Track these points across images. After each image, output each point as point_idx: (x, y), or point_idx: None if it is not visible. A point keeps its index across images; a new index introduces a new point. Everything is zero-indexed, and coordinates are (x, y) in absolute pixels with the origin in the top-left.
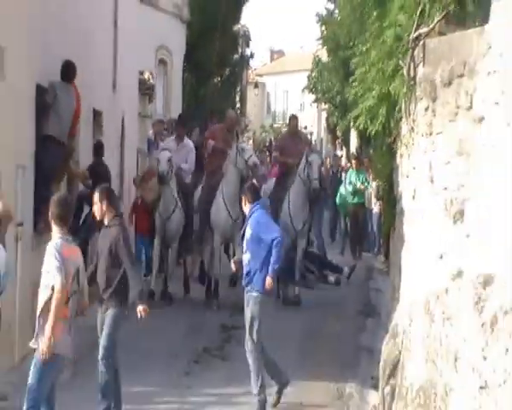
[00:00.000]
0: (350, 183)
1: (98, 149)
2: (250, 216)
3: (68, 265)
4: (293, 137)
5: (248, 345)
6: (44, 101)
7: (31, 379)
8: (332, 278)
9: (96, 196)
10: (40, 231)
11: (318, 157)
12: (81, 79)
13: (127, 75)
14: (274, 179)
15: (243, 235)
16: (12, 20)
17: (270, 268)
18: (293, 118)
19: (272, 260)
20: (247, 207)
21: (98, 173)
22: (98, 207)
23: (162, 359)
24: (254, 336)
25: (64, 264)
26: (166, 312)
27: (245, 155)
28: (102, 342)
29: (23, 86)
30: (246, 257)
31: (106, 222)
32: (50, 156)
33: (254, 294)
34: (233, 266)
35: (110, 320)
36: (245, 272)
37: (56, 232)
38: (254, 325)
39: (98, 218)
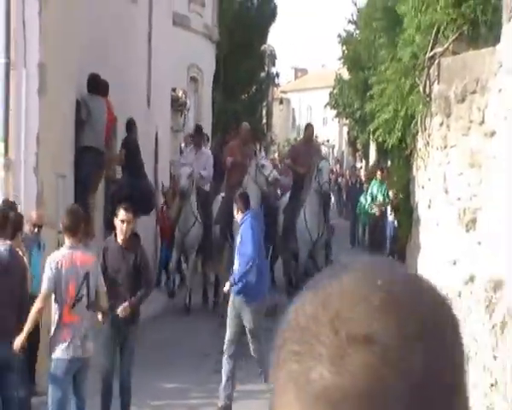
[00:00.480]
0: (371, 194)
1: (130, 125)
2: (241, 225)
3: (66, 274)
4: (308, 145)
5: (252, 346)
6: (79, 115)
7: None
8: None
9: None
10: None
11: (328, 163)
12: (117, 95)
13: (161, 92)
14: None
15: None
16: (53, 39)
17: (231, 278)
18: (309, 126)
19: (234, 275)
20: (239, 216)
21: (129, 150)
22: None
23: (193, 358)
24: (257, 340)
25: (57, 274)
26: (198, 314)
27: (265, 171)
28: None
29: (63, 101)
30: (235, 264)
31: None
32: (89, 165)
33: (246, 304)
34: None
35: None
36: (234, 279)
37: (66, 242)
38: (254, 333)
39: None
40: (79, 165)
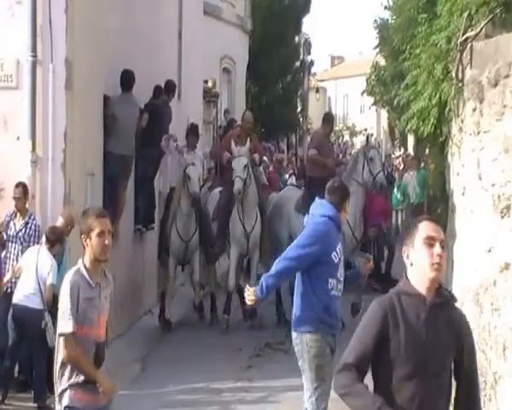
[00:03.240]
0: (402, 191)
1: (156, 91)
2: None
3: None
4: (327, 139)
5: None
6: (105, 118)
7: None
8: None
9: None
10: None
11: (378, 152)
12: (147, 89)
13: (192, 84)
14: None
15: None
16: (80, 35)
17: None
18: (331, 117)
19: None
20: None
21: (155, 114)
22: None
23: (227, 353)
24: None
25: None
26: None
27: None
28: None
29: (90, 98)
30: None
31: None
32: (113, 171)
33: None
34: (248, 299)
35: None
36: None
37: None
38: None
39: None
40: (105, 165)
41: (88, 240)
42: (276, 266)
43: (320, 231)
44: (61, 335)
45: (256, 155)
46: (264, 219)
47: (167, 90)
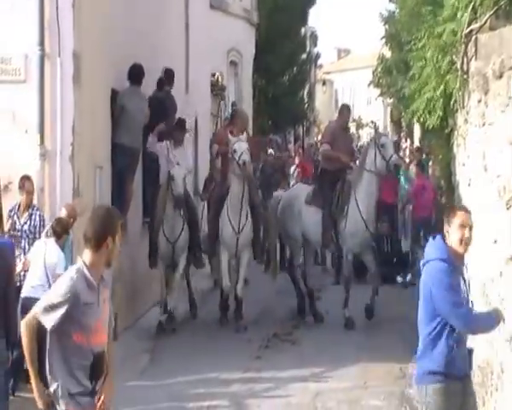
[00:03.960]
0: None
1: (159, 82)
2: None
3: None
4: (344, 132)
5: None
6: (113, 111)
7: None
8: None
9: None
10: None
11: (389, 139)
12: (154, 83)
13: (199, 77)
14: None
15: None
16: (87, 28)
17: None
18: (347, 109)
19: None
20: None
21: (158, 107)
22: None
23: (235, 344)
24: None
25: None
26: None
27: (235, 155)
28: None
29: (98, 91)
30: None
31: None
32: (121, 163)
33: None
34: None
35: None
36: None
37: None
38: None
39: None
40: (113, 158)
41: (111, 241)
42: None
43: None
44: (34, 317)
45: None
46: (258, 218)
47: (167, 78)
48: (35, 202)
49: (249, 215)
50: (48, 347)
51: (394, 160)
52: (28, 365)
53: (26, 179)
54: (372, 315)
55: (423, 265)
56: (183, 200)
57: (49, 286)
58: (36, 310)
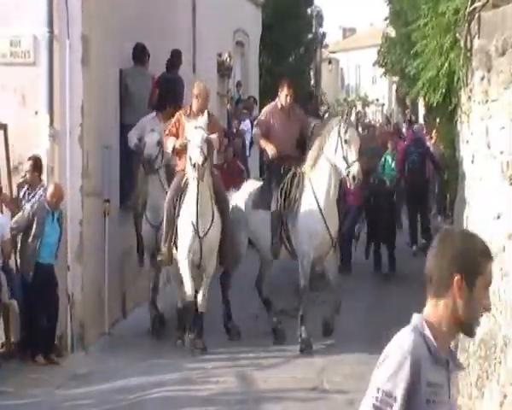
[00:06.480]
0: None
1: (168, 64)
2: None
3: None
4: (288, 114)
5: None
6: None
7: None
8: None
9: None
10: (125, 206)
11: (357, 134)
12: (162, 63)
13: (206, 58)
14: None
15: None
16: (95, 10)
17: None
18: (289, 84)
19: None
20: None
21: (167, 88)
22: None
23: (243, 321)
24: None
25: None
26: (246, 280)
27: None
28: None
29: (106, 72)
30: None
31: None
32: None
33: None
34: None
35: None
36: None
37: None
38: None
39: None
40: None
41: (468, 285)
42: None
43: None
44: None
45: (214, 136)
46: (225, 218)
47: (176, 59)
48: (44, 181)
49: (216, 215)
50: None
51: (352, 171)
52: None
53: (35, 159)
54: (330, 333)
55: None
56: (153, 163)
57: None
58: None
